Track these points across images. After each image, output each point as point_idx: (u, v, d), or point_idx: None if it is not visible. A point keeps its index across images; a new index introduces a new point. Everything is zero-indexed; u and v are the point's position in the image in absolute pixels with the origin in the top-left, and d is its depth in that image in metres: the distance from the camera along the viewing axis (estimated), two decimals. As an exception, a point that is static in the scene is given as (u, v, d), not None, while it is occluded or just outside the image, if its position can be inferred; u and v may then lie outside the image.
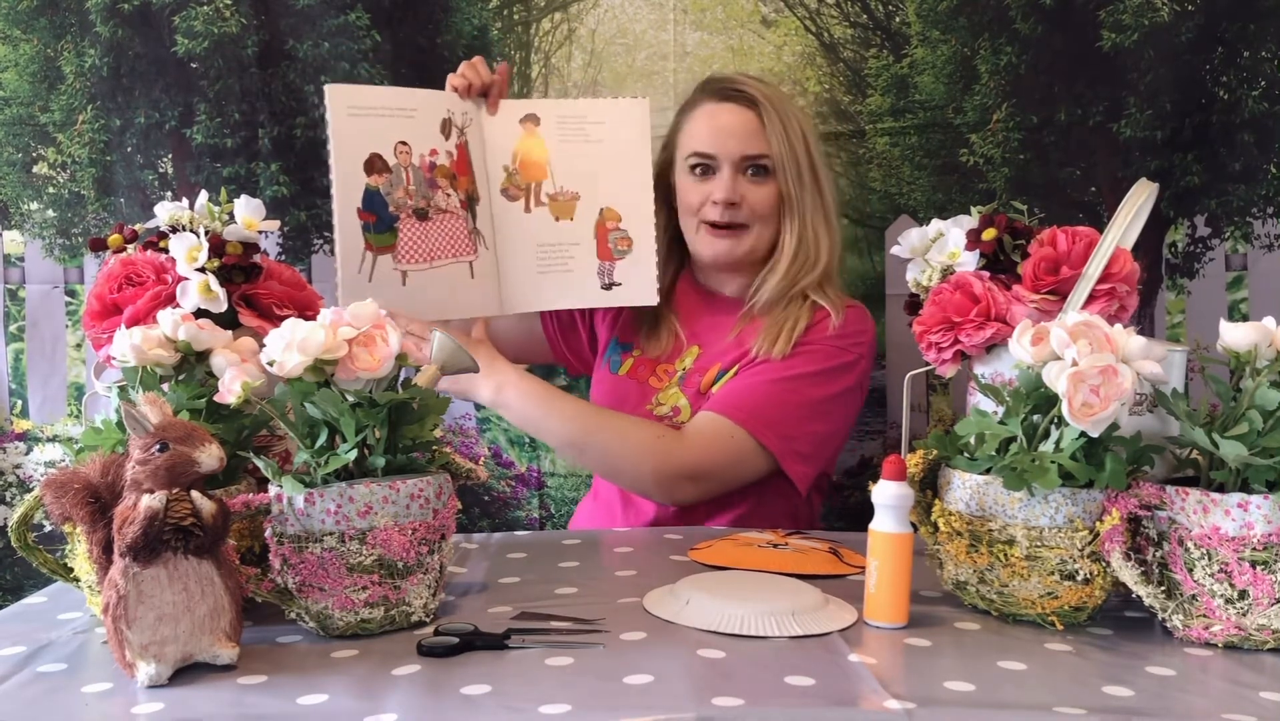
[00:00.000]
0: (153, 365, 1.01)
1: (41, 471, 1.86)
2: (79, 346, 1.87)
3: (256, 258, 1.16)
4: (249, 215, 1.16)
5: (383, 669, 0.89)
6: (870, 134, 1.82)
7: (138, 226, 1.20)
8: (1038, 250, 1.13)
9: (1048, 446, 0.98)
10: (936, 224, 1.22)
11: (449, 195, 1.44)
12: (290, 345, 0.94)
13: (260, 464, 0.99)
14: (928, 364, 1.17)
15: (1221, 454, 0.95)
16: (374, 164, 1.39)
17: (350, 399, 0.96)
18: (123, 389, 1.05)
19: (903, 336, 1.72)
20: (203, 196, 1.19)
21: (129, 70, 1.80)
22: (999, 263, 1.16)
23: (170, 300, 1.10)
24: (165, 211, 1.17)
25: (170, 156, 1.82)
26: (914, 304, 1.23)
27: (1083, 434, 0.95)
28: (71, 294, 1.87)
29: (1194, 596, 0.97)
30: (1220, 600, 0.96)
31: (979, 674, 0.89)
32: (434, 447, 1.04)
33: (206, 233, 1.12)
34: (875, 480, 1.02)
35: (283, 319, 1.00)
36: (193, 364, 1.04)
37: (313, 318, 0.97)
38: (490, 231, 1.49)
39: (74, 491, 0.89)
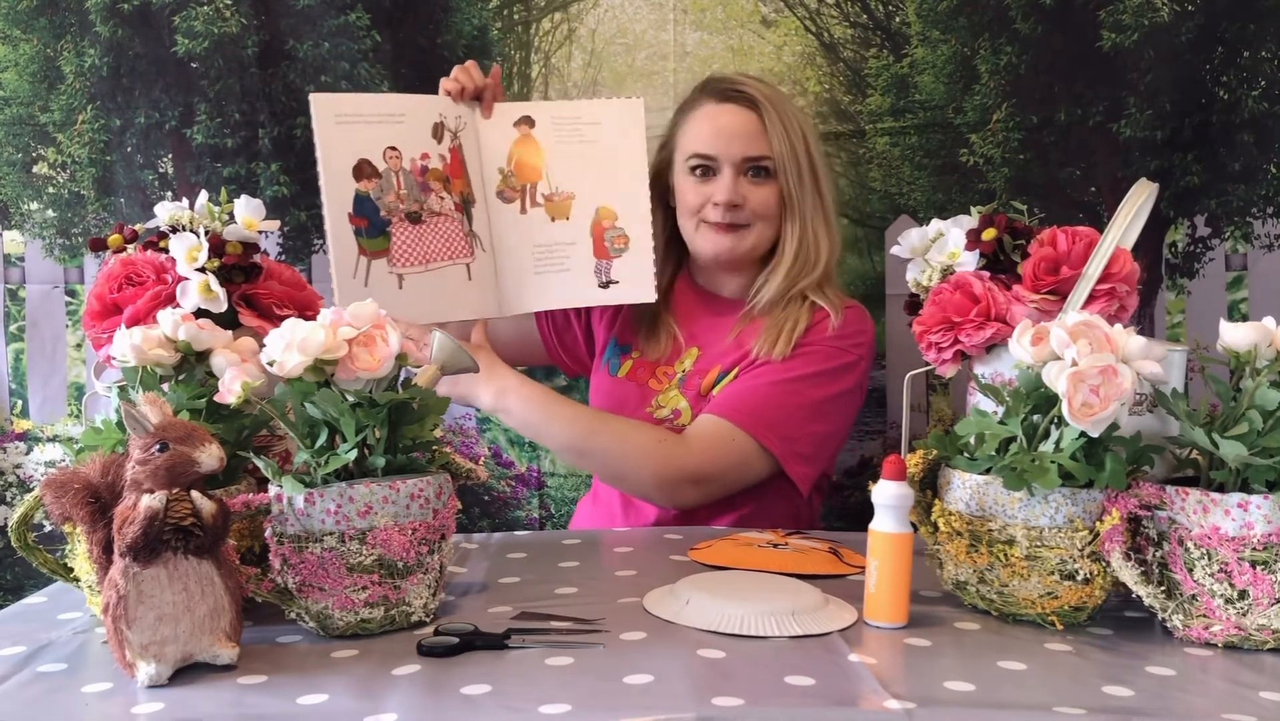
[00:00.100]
0: (153, 365, 1.01)
1: (41, 471, 1.86)
2: (79, 346, 1.87)
3: (256, 258, 1.16)
4: (249, 215, 1.16)
5: (383, 669, 0.89)
6: (870, 134, 1.82)
7: (138, 226, 1.20)
8: (1038, 250, 1.13)
9: (1048, 446, 0.98)
10: (936, 224, 1.22)
11: (443, 198, 1.45)
12: (290, 345, 0.94)
13: (260, 464, 0.99)
14: (928, 364, 1.17)
15: (1221, 454, 0.95)
16: (363, 169, 1.39)
17: (350, 399, 0.96)
18: (123, 389, 1.05)
19: (903, 336, 1.72)
20: (203, 196, 1.19)
21: (129, 70, 1.80)
22: (999, 263, 1.16)
23: (170, 300, 1.10)
24: (165, 211, 1.17)
25: (170, 156, 1.82)
26: (914, 304, 1.23)
27: (1083, 434, 0.95)
28: (71, 294, 1.87)
29: (1194, 596, 0.97)
30: (1220, 600, 0.96)
31: (979, 674, 0.89)
32: (434, 447, 1.04)
33: (206, 233, 1.12)
34: (875, 480, 1.02)
35: (283, 319, 1.00)
36: (193, 364, 1.04)
37: (313, 318, 0.97)
38: (487, 233, 1.49)
39: (74, 491, 0.89)
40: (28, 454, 1.87)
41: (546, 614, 1.02)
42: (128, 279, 1.12)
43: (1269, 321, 0.99)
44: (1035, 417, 0.99)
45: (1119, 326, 0.98)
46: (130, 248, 1.17)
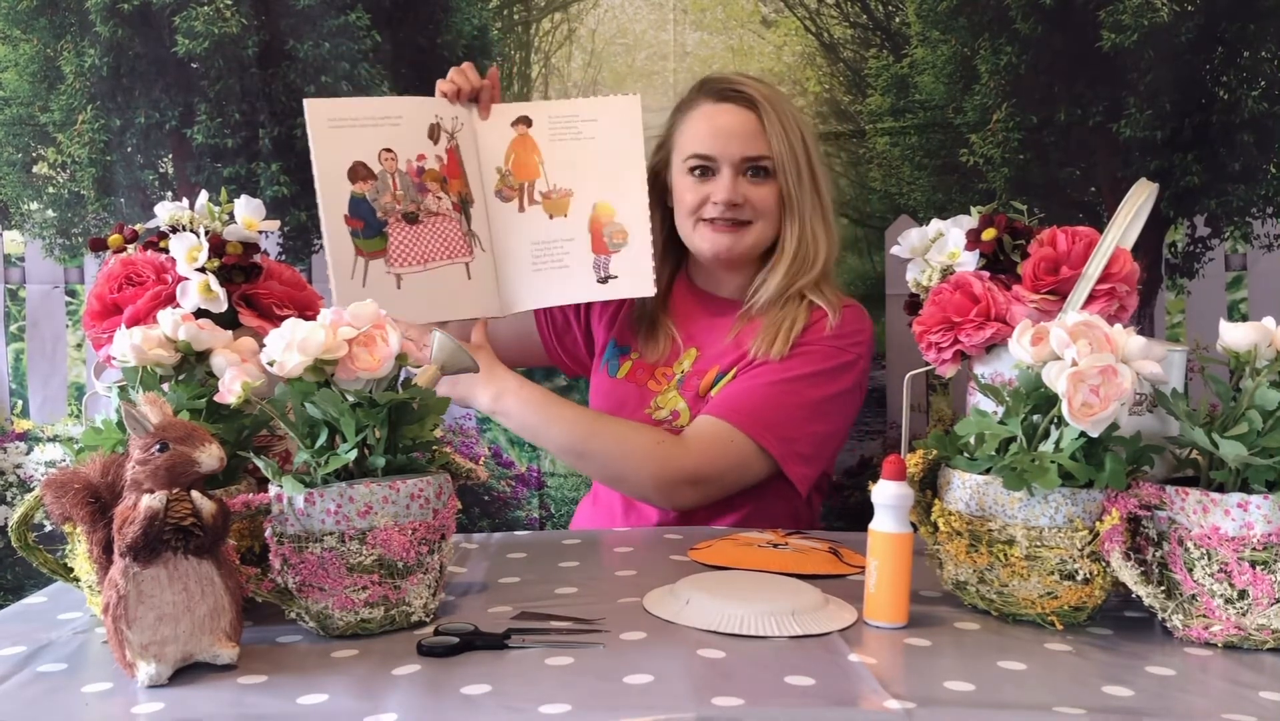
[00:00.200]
0: (153, 365, 1.01)
1: (42, 471, 1.86)
2: (79, 346, 1.87)
3: (256, 258, 1.16)
4: (249, 215, 1.16)
5: (383, 669, 0.89)
6: (870, 134, 1.82)
7: (138, 226, 1.20)
8: (1038, 250, 1.13)
9: (1048, 446, 0.98)
10: (936, 224, 1.22)
11: (440, 198, 1.45)
12: (290, 345, 0.94)
13: (260, 464, 0.99)
14: (928, 364, 1.17)
15: (1221, 454, 0.95)
16: (358, 171, 1.40)
17: (350, 399, 0.96)
18: (123, 389, 1.05)
19: (903, 336, 1.72)
20: (203, 196, 1.19)
21: (129, 70, 1.80)
22: (999, 263, 1.16)
23: (170, 300, 1.10)
24: (165, 211, 1.17)
25: (170, 156, 1.82)
26: (914, 304, 1.23)
27: (1082, 434, 0.95)
28: (71, 294, 1.87)
29: (1194, 596, 0.97)
30: (1220, 600, 0.96)
31: (979, 674, 0.89)
32: (434, 447, 1.04)
33: (206, 233, 1.12)
34: (875, 480, 1.02)
35: (283, 319, 1.00)
36: (193, 364, 1.04)
37: (313, 318, 0.97)
38: (486, 233, 1.50)
39: (74, 491, 0.89)
40: (28, 454, 1.87)
41: (546, 614, 1.02)
42: (128, 279, 1.12)
43: (1269, 321, 0.99)
44: (1035, 417, 0.99)
45: (1119, 326, 0.98)
46: (130, 248, 1.17)
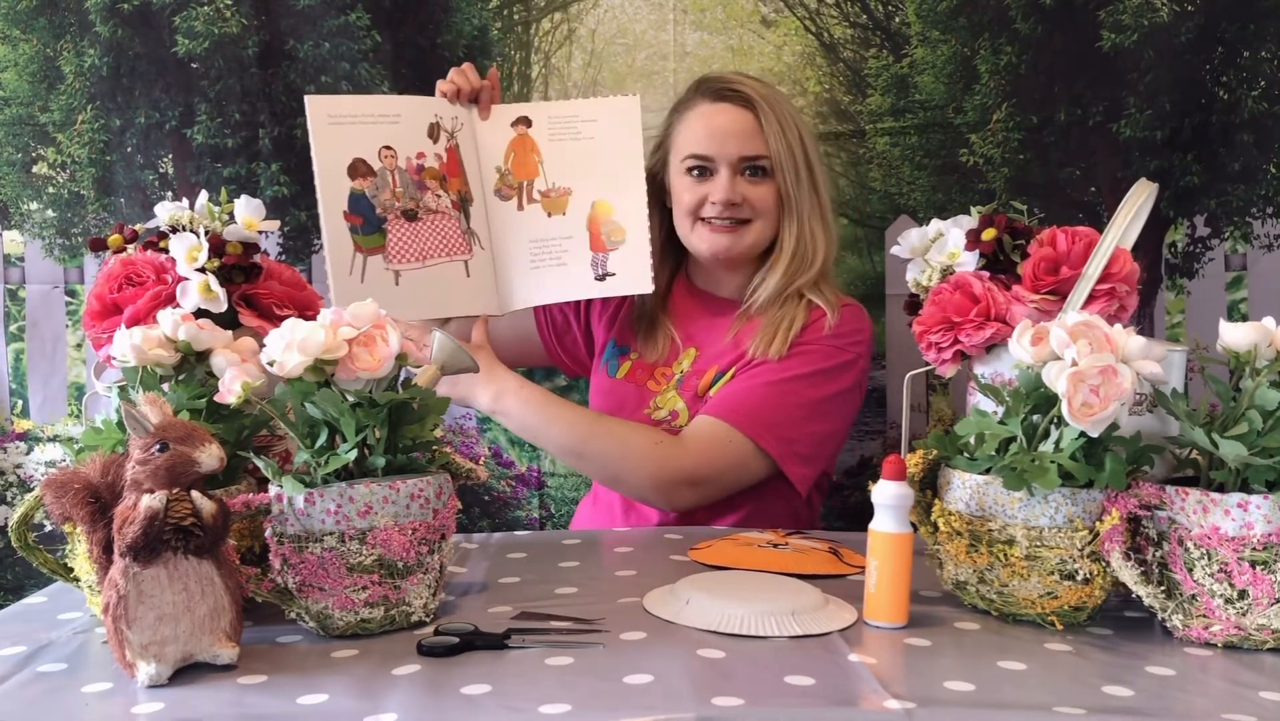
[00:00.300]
0: (153, 365, 1.01)
1: (42, 471, 1.86)
2: (79, 346, 1.87)
3: (256, 258, 1.16)
4: (249, 215, 1.16)
5: (383, 669, 0.89)
6: (870, 134, 1.82)
7: (138, 226, 1.20)
8: (1038, 250, 1.13)
9: (1047, 446, 0.98)
10: (936, 224, 1.22)
11: (439, 196, 1.45)
12: (290, 345, 0.94)
13: (260, 464, 0.99)
14: (928, 364, 1.17)
15: (1221, 454, 0.95)
16: (358, 168, 1.40)
17: (350, 399, 0.96)
18: (123, 389, 1.05)
19: (903, 336, 1.72)
20: (203, 196, 1.19)
21: (129, 70, 1.80)
22: (999, 263, 1.16)
23: (170, 300, 1.10)
24: (165, 211, 1.17)
25: (170, 156, 1.82)
26: (914, 304, 1.23)
27: (1082, 434, 0.95)
28: (71, 294, 1.86)
29: (1194, 596, 0.97)
30: (1220, 600, 0.96)
31: (979, 674, 0.89)
32: (434, 447, 1.04)
33: (206, 233, 1.12)
34: (875, 480, 1.02)
35: (283, 319, 1.00)
36: (193, 364, 1.04)
37: (313, 318, 0.97)
38: (485, 231, 1.50)
39: (74, 491, 0.89)
40: (28, 454, 1.87)
41: (546, 614, 1.02)
42: (128, 279, 1.12)
43: (1269, 321, 0.99)
44: (1035, 417, 0.99)
45: (1119, 326, 0.98)
46: (130, 248, 1.17)
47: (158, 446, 0.87)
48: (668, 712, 0.80)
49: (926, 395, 1.85)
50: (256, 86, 1.79)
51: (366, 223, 1.40)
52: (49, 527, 1.65)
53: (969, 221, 1.20)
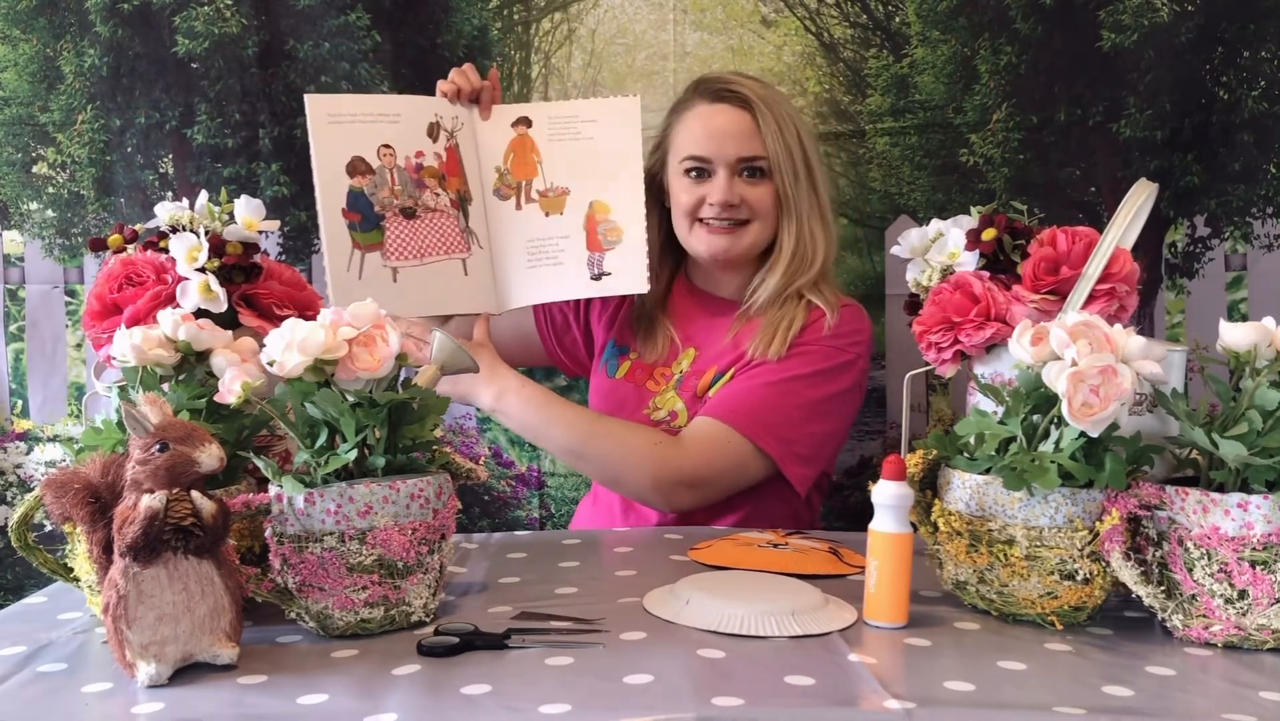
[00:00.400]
0: (153, 365, 1.01)
1: (42, 471, 1.86)
2: (79, 346, 1.87)
3: (256, 258, 1.16)
4: (249, 215, 1.16)
5: (383, 669, 0.89)
6: (870, 134, 1.82)
7: (138, 226, 1.20)
8: (1038, 250, 1.13)
9: (1047, 446, 0.98)
10: (936, 224, 1.22)
11: (438, 194, 1.46)
12: (290, 345, 0.94)
13: (260, 464, 0.99)
14: (928, 364, 1.17)
15: (1221, 454, 0.95)
16: (356, 166, 1.41)
17: (350, 399, 0.96)
18: (123, 389, 1.05)
19: (903, 336, 1.72)
20: (203, 196, 1.19)
21: (129, 70, 1.80)
22: (999, 263, 1.16)
23: (170, 300, 1.10)
24: (165, 211, 1.17)
25: (170, 156, 1.82)
26: (914, 304, 1.23)
27: (1082, 434, 0.95)
28: (71, 294, 1.86)
29: (1194, 596, 0.97)
30: (1220, 600, 0.96)
31: (979, 674, 0.89)
32: (434, 447, 1.04)
33: (206, 233, 1.12)
34: (875, 480, 1.02)
35: (283, 319, 1.00)
36: (193, 364, 1.04)
37: (313, 318, 0.97)
38: (484, 230, 1.50)
39: (74, 491, 0.89)
40: (28, 454, 1.87)
41: (546, 614, 1.02)
42: (128, 279, 1.12)
43: (1269, 321, 0.99)
44: (1035, 417, 0.99)
45: (1119, 326, 0.98)
46: (130, 248, 1.17)
47: (158, 446, 0.87)
48: (668, 712, 0.80)
49: (926, 395, 1.85)
50: (256, 86, 1.79)
51: (364, 219, 1.41)
52: (49, 527, 1.65)
53: (969, 221, 1.20)
